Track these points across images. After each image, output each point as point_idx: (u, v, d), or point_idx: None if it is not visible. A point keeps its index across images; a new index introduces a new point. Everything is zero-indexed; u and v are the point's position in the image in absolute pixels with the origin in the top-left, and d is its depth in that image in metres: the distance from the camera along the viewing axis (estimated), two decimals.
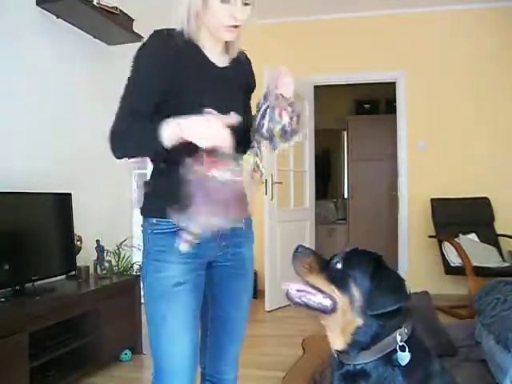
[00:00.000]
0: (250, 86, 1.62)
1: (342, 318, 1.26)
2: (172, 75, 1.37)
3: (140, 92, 1.38)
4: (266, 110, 1.42)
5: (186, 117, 1.26)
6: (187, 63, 1.40)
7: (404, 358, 1.21)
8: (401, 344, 1.22)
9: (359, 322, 1.23)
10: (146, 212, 1.46)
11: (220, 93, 1.44)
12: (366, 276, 1.25)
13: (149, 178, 1.52)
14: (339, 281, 1.27)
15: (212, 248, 1.44)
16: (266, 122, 1.42)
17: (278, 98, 1.42)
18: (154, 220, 1.41)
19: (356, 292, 1.24)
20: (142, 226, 1.48)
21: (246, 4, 1.37)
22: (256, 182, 1.47)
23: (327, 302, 1.29)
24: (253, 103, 1.57)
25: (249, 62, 1.62)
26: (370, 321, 1.23)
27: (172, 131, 1.25)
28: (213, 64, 1.46)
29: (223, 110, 1.32)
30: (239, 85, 1.54)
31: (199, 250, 1.37)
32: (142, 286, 1.48)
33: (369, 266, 1.28)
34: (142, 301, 1.52)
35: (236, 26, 1.38)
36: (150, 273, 1.41)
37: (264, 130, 1.42)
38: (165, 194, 1.39)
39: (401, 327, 1.24)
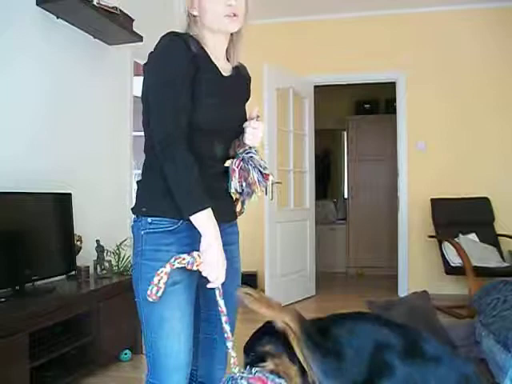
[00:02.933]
0: (247, 99, 1.65)
1: None
2: (192, 83, 1.38)
3: (182, 105, 1.36)
4: (229, 166, 1.51)
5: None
6: (201, 75, 1.40)
7: None
8: None
9: None
10: (140, 211, 1.45)
11: (230, 106, 1.49)
12: None
13: (141, 177, 1.53)
14: None
15: None
16: (228, 180, 1.51)
17: (241, 146, 1.51)
18: (149, 219, 1.42)
19: None
20: (133, 226, 1.48)
21: None
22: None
23: None
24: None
25: (250, 78, 1.66)
26: None
27: (203, 228, 1.33)
28: (222, 75, 1.48)
29: (229, 119, 1.45)
30: (241, 95, 1.60)
31: (191, 248, 1.38)
32: (134, 286, 1.46)
33: None
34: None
35: (235, 15, 1.42)
36: (144, 273, 1.40)
37: (229, 188, 1.52)
38: (159, 194, 1.41)
39: None
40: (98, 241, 3.25)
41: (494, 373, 1.83)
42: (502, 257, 4.65)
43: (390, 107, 6.47)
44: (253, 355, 1.43)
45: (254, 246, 4.49)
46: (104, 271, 3.23)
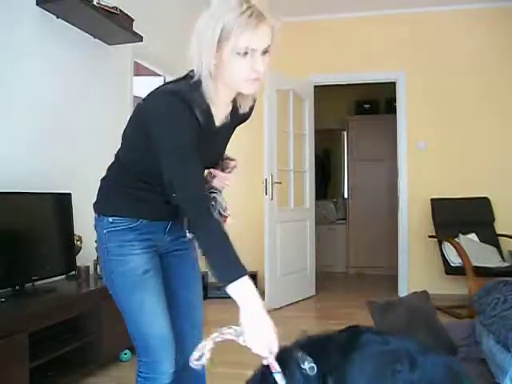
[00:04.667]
0: (244, 119, 1.61)
1: None
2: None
3: (188, 139, 1.33)
4: None
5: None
6: (205, 138, 1.39)
7: None
8: None
9: None
10: (102, 211, 1.55)
11: (209, 151, 1.48)
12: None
13: (105, 176, 1.61)
14: None
15: (161, 239, 1.58)
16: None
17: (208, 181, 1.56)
18: (110, 219, 1.52)
19: None
20: (95, 225, 1.57)
21: (265, 52, 1.31)
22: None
23: None
24: None
25: (252, 109, 1.59)
26: None
27: (242, 302, 1.23)
28: (214, 124, 1.45)
29: (204, 161, 1.41)
30: (229, 134, 1.59)
31: (152, 242, 1.54)
32: (107, 280, 1.57)
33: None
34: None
35: (257, 79, 1.34)
36: (116, 268, 1.52)
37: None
38: (119, 195, 1.53)
39: None
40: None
41: (494, 373, 1.83)
42: (502, 257, 4.65)
43: (390, 107, 6.47)
44: None
45: (254, 246, 4.49)
46: None
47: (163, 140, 1.32)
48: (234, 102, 1.50)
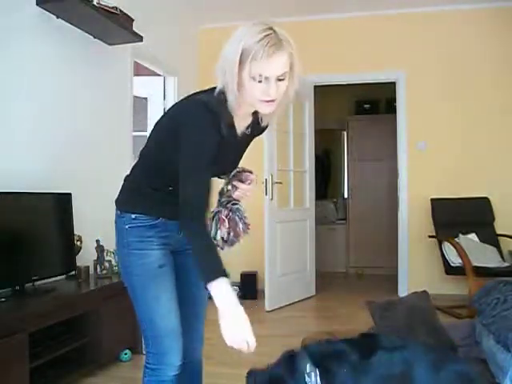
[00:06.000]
0: (263, 130, 1.72)
1: None
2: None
3: (207, 161, 1.46)
4: (216, 213, 1.66)
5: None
6: (221, 143, 1.48)
7: None
8: None
9: None
10: (125, 208, 1.65)
11: (226, 161, 1.61)
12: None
13: (130, 173, 1.71)
14: None
15: (175, 238, 1.66)
16: (213, 226, 1.64)
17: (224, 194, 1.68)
18: (133, 216, 1.61)
19: None
20: (116, 220, 1.67)
21: (281, 80, 1.40)
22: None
23: None
24: None
25: (267, 125, 1.68)
26: None
27: (218, 299, 1.37)
28: (235, 136, 1.57)
29: (222, 169, 1.62)
30: (245, 147, 1.69)
31: (168, 240, 1.64)
32: (124, 272, 1.66)
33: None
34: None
35: (272, 101, 1.42)
36: (135, 261, 1.61)
37: (211, 232, 1.63)
38: (146, 194, 1.63)
39: None
40: (97, 241, 3.25)
41: (494, 373, 1.83)
42: (502, 257, 4.65)
43: (390, 107, 6.46)
44: None
45: (254, 246, 4.49)
46: (104, 271, 3.23)
47: (187, 146, 1.45)
48: (256, 114, 1.58)
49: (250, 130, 1.62)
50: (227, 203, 1.67)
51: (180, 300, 1.68)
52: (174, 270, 1.66)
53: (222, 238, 1.65)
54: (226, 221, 1.64)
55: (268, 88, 1.39)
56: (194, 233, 1.44)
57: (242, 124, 1.57)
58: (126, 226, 1.62)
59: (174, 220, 1.61)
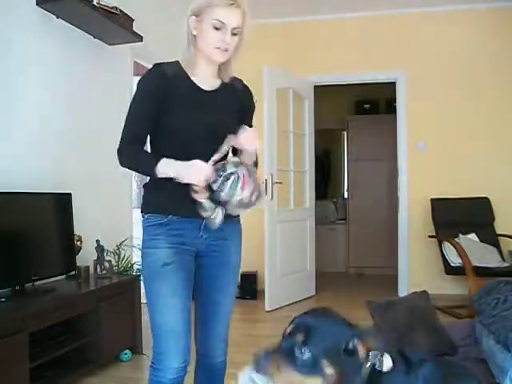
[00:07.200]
0: (245, 109, 1.80)
1: None
2: (160, 102, 1.62)
3: (137, 119, 1.64)
4: (230, 174, 1.53)
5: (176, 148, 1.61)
6: (173, 91, 1.63)
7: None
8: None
9: None
10: (142, 209, 1.74)
11: (206, 113, 1.66)
12: (338, 351, 1.21)
13: (148, 181, 1.77)
14: (312, 369, 1.20)
15: (195, 237, 1.68)
16: (227, 188, 1.52)
17: (242, 153, 1.64)
18: (146, 215, 1.70)
19: (331, 371, 1.19)
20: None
21: (234, 34, 1.62)
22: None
23: None
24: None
25: (246, 89, 1.83)
26: None
27: (166, 172, 1.57)
28: (199, 88, 1.68)
29: (211, 130, 1.63)
30: (230, 108, 1.73)
31: (183, 239, 1.65)
32: (141, 269, 1.75)
33: (339, 340, 1.23)
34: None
35: (226, 50, 1.62)
36: (144, 259, 1.69)
37: (223, 194, 1.53)
38: (152, 195, 1.72)
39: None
40: (98, 241, 3.25)
41: (494, 373, 1.83)
42: (502, 257, 4.65)
43: (390, 107, 6.46)
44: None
45: (254, 246, 4.49)
46: (104, 271, 3.23)
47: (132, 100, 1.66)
48: (230, 82, 1.75)
49: (222, 88, 1.72)
50: (239, 165, 1.56)
51: (202, 304, 1.75)
52: (185, 268, 1.65)
53: (241, 200, 1.53)
54: (251, 181, 1.54)
55: (224, 36, 1.59)
56: (122, 154, 1.62)
57: (206, 81, 1.69)
58: (143, 226, 1.71)
59: (188, 217, 1.64)
